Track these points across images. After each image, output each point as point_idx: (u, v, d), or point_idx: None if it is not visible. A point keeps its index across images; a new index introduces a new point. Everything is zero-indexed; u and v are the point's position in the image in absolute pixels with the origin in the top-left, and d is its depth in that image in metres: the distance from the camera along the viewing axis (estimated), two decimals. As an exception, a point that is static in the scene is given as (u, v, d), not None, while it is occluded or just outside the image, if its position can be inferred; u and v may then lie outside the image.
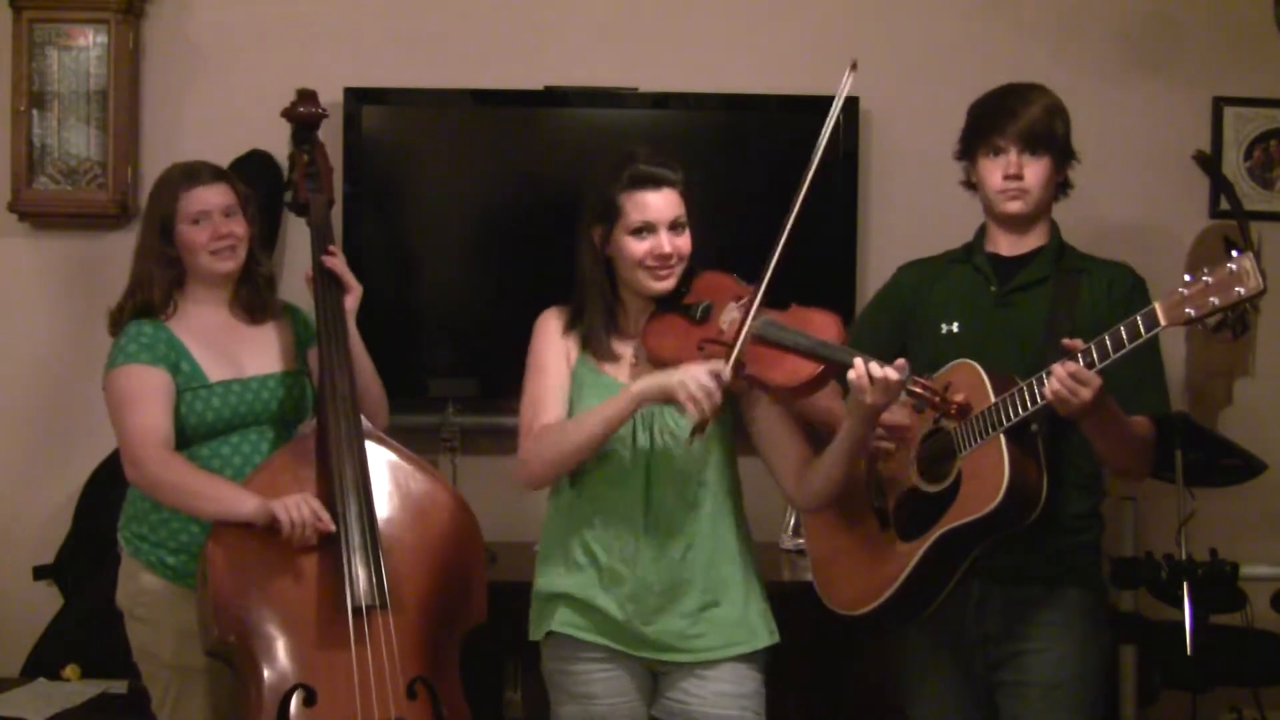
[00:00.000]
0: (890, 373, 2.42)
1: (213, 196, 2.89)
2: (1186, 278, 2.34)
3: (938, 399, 2.47)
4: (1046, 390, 2.47)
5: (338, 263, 3.00)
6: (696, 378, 2.43)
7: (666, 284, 2.62)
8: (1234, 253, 2.32)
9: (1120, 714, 3.50)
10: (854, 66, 2.55)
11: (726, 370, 2.45)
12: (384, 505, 2.86)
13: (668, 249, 2.59)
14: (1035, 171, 2.74)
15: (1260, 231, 3.74)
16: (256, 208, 3.00)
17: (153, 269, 2.89)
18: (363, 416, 2.91)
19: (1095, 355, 2.44)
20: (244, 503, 2.74)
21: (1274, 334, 3.82)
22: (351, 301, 2.99)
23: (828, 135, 2.56)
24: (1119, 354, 2.42)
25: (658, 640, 2.61)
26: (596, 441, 2.57)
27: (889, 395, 2.45)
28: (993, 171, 2.76)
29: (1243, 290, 2.28)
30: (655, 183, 2.59)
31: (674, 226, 2.60)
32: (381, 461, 2.90)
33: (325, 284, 2.99)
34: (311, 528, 2.72)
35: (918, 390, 2.47)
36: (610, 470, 2.61)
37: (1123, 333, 2.41)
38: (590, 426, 2.55)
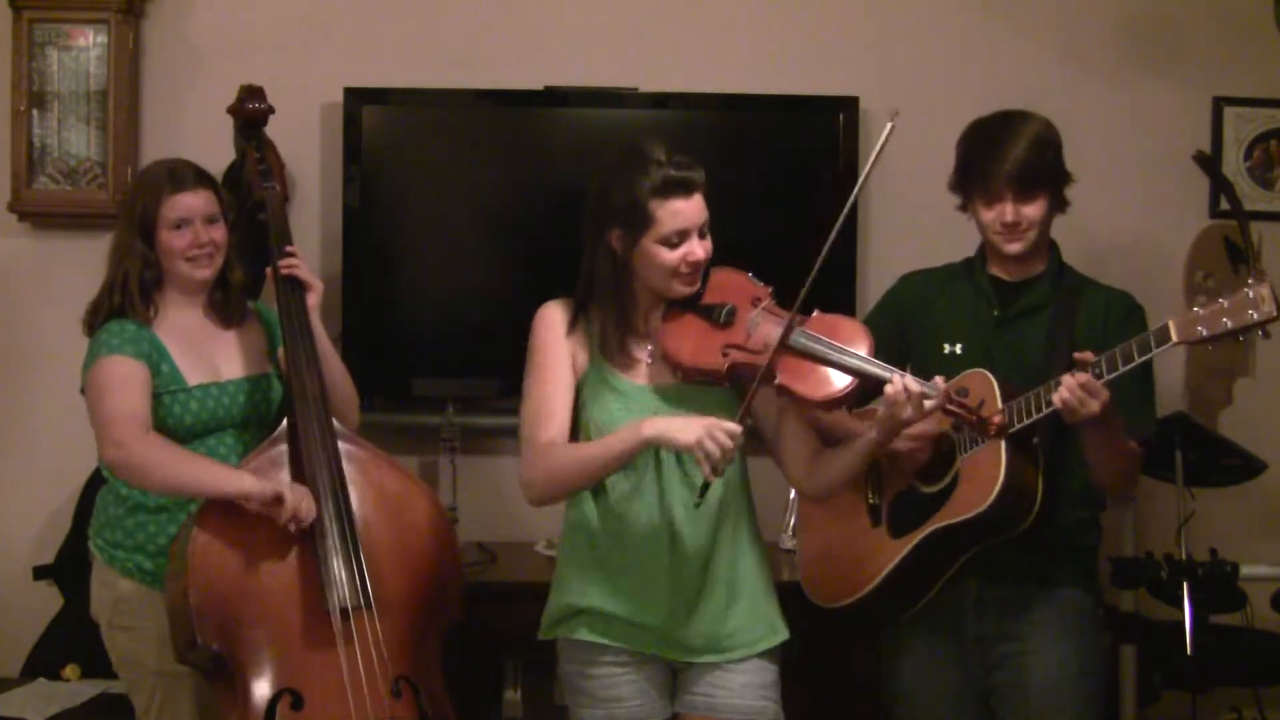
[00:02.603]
0: (929, 390, 2.41)
1: (197, 203, 2.84)
2: (1201, 298, 2.38)
3: (975, 417, 2.44)
4: (1055, 398, 2.48)
5: (295, 263, 2.93)
6: (716, 437, 2.36)
7: (696, 287, 2.58)
8: (1250, 279, 2.36)
9: (1120, 714, 3.50)
10: (893, 123, 2.40)
11: (741, 432, 2.39)
12: (360, 505, 2.82)
13: (701, 255, 2.54)
14: (1032, 213, 2.72)
15: (1260, 231, 3.73)
16: (237, 213, 2.95)
17: (131, 270, 2.84)
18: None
19: (1105, 368, 2.46)
20: (243, 477, 2.70)
21: (1274, 334, 3.81)
22: (314, 299, 2.93)
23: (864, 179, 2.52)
24: (1128, 367, 2.45)
25: (687, 643, 2.60)
26: (603, 476, 2.55)
27: (923, 412, 2.42)
28: (989, 216, 2.74)
29: (1256, 315, 2.34)
30: (686, 189, 2.51)
31: (702, 231, 2.55)
32: (354, 461, 2.87)
33: (286, 283, 2.93)
34: (308, 518, 2.69)
35: (954, 409, 2.43)
36: (630, 478, 2.57)
37: (1134, 347, 2.44)
38: (597, 462, 2.52)
